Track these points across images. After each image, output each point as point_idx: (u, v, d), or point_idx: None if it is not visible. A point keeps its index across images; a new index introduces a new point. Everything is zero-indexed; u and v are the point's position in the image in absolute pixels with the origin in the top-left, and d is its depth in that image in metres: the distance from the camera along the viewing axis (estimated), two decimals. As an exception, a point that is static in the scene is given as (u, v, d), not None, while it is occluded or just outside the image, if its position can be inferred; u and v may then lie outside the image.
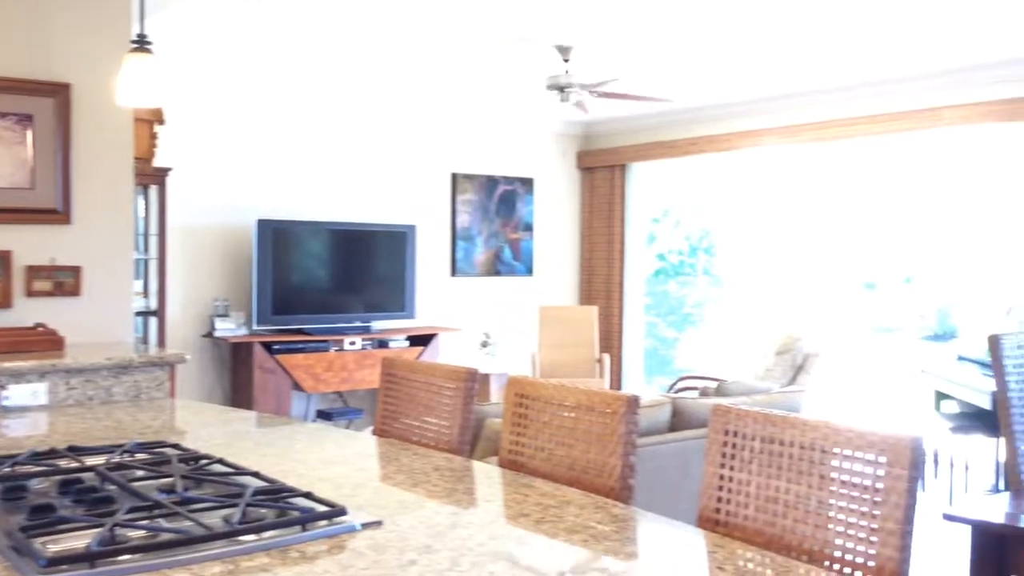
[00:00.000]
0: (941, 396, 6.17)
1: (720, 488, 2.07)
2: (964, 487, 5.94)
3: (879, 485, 1.78)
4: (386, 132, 8.19)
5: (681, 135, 8.43)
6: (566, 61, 5.68)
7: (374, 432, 3.01)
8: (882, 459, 1.79)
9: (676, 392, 7.02)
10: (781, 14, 5.07)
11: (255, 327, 7.18)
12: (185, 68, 6.66)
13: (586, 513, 1.95)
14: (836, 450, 1.87)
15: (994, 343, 3.08)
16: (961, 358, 6.16)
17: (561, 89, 5.61)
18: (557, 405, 2.47)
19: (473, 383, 2.79)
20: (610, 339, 9.07)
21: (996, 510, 2.85)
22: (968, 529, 2.66)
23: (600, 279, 9.27)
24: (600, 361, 8.31)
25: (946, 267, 7.86)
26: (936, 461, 6.09)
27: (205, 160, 7.18)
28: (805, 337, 6.19)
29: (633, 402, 2.29)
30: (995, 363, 3.07)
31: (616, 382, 9.04)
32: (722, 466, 2.08)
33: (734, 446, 2.07)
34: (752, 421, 2.05)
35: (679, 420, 4.15)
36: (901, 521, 1.74)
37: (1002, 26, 5.30)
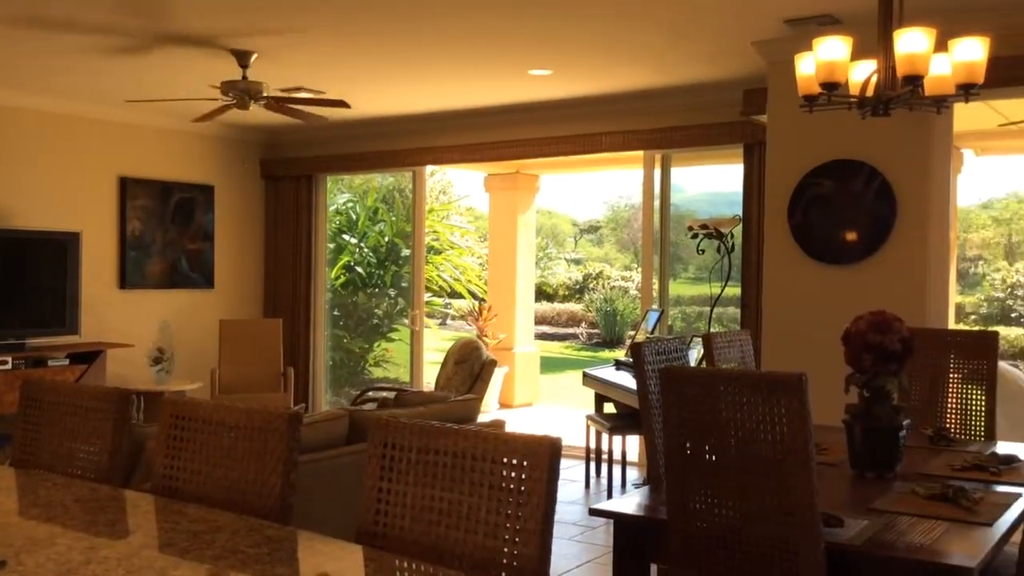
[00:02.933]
0: (603, 399, 6.69)
1: (379, 501, 2.09)
2: (623, 482, 6.48)
3: (522, 488, 1.89)
4: (45, 129, 7.47)
5: (368, 148, 8.47)
6: (244, 67, 5.51)
7: (11, 463, 2.72)
8: (524, 463, 1.89)
9: (360, 404, 7.01)
10: (455, 32, 5.26)
11: None
12: None
13: (238, 538, 1.88)
14: (484, 456, 1.95)
15: (636, 350, 3.39)
16: (618, 363, 6.72)
17: (240, 95, 5.43)
18: (216, 425, 2.38)
19: (126, 405, 2.61)
20: (296, 352, 8.89)
21: (636, 503, 3.13)
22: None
23: (285, 291, 9.06)
24: (285, 375, 8.12)
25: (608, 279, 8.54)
26: (599, 460, 6.59)
27: None
28: (483, 347, 6.45)
29: (294, 419, 2.26)
30: (637, 368, 3.38)
31: (301, 396, 8.87)
32: (381, 479, 2.10)
33: (392, 458, 2.10)
34: (410, 433, 2.09)
35: (357, 433, 4.15)
36: (540, 521, 1.85)
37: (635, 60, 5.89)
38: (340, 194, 10.82)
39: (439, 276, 11.55)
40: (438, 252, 11.67)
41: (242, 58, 5.49)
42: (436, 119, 7.89)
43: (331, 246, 9.91)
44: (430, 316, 16.23)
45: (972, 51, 3.07)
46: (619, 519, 2.85)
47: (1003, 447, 3.59)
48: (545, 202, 26.20)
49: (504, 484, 1.91)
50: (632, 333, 7.05)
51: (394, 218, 10.94)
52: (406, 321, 8.94)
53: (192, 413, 2.40)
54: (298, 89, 5.78)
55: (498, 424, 4.99)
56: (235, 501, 2.26)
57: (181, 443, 2.40)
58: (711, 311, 6.72)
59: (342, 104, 6.09)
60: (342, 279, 10.33)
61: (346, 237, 10.54)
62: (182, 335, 8.16)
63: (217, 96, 5.72)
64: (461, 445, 1.99)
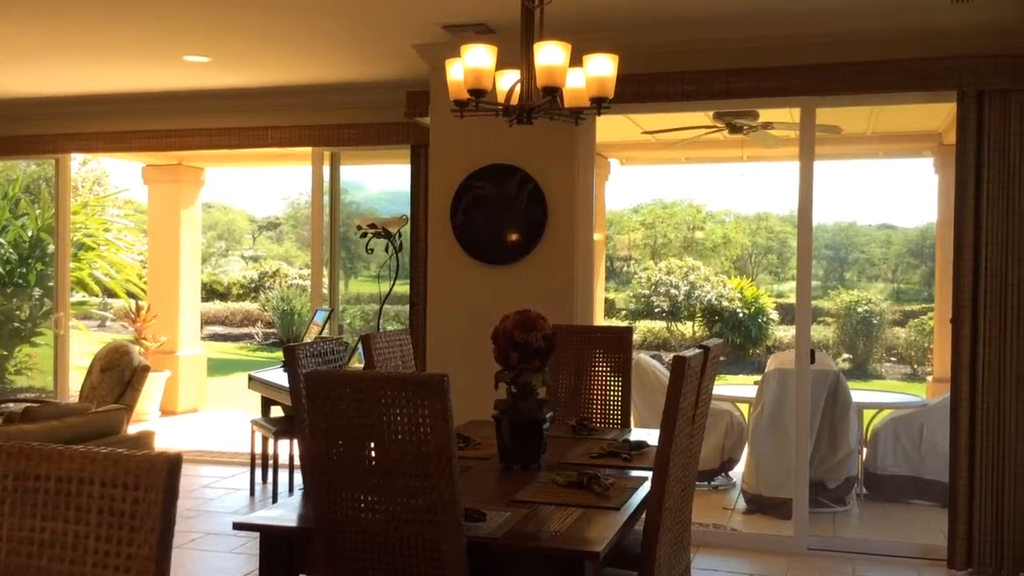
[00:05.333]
0: (270, 402, 6.46)
1: (-33, 536, 1.82)
2: (290, 488, 6.31)
3: (134, 511, 1.72)
4: None
5: (2, 132, 7.54)
6: None
7: None
8: (138, 484, 1.73)
9: (-10, 419, 6.23)
10: (99, 11, 4.82)
11: None
12: None
13: None
14: (92, 480, 1.76)
15: (289, 353, 3.28)
16: (284, 365, 6.53)
17: None
18: None
19: None
20: (-89, 362, 7.73)
21: (283, 513, 3.03)
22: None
23: None
24: None
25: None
26: (265, 466, 6.36)
27: None
28: (134, 351, 5.98)
29: None
30: (291, 372, 3.27)
31: (-80, 412, 7.73)
32: (-31, 511, 1.83)
33: (-17, 487, 1.83)
34: (6, 457, 1.83)
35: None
36: (155, 546, 1.70)
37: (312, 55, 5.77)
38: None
39: (92, 275, 10.58)
40: (91, 249, 10.70)
41: None
42: (82, 103, 7.20)
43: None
44: (86, 319, 14.88)
45: (603, 67, 3.30)
46: (264, 531, 2.73)
47: (636, 433, 3.91)
48: (219, 197, 25.07)
49: (115, 508, 1.73)
50: (305, 333, 6.88)
51: (39, 211, 9.88)
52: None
53: None
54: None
55: (146, 436, 4.65)
56: None
57: None
58: (380, 310, 6.74)
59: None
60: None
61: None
62: None
63: None
64: (66, 468, 1.78)
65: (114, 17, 4.93)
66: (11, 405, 6.61)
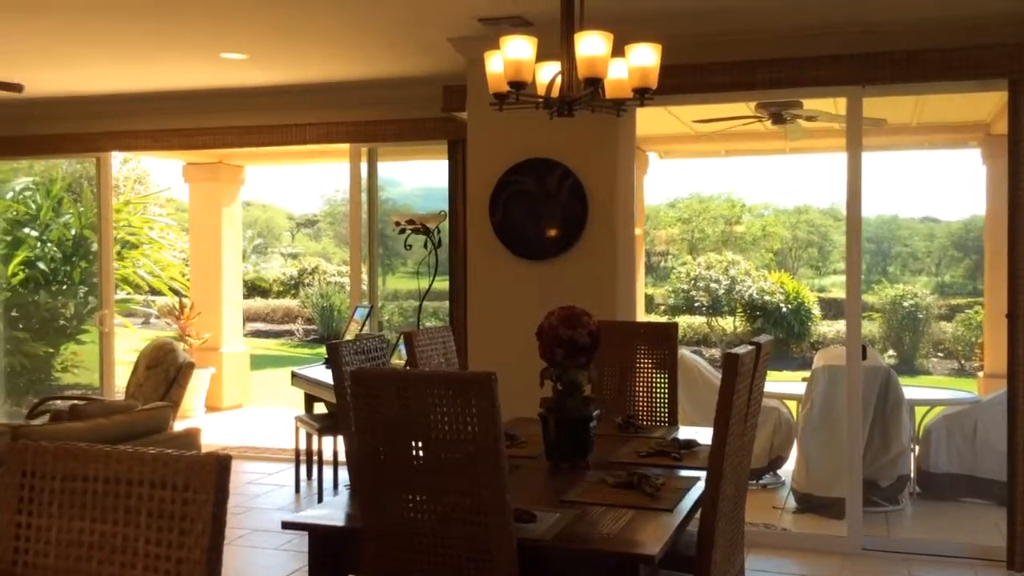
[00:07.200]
0: (313, 399, 6.47)
1: (17, 538, 1.81)
2: (335, 485, 6.32)
3: (184, 513, 1.69)
4: None
5: (44, 130, 7.61)
6: None
7: None
8: (187, 486, 1.70)
9: (37, 415, 6.30)
10: (138, 7, 4.83)
11: None
12: None
13: None
14: (141, 481, 1.73)
15: (333, 350, 3.25)
16: (327, 361, 6.53)
17: None
18: None
19: None
20: (-40, 360, 7.85)
21: (331, 512, 3.00)
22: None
23: (-55, 291, 7.97)
24: (-55, 387, 7.14)
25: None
26: (310, 463, 6.37)
27: None
28: (179, 348, 6.01)
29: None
30: (334, 369, 3.25)
31: (-31, 409, 7.85)
32: (19, 512, 1.82)
33: (32, 488, 1.82)
34: (53, 458, 1.82)
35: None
36: (206, 549, 1.67)
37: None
38: (16, 180, 9.71)
39: (136, 273, 10.70)
40: (135, 247, 10.82)
41: None
42: (122, 101, 7.24)
43: (7, 239, 8.89)
44: (130, 316, 15.06)
45: (646, 57, 3.22)
46: (313, 531, 2.71)
47: (684, 432, 3.83)
48: (258, 195, 25.26)
49: (165, 511, 1.70)
50: (346, 329, 6.88)
51: (83, 209, 9.99)
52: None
53: None
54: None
55: (192, 433, 4.66)
56: None
57: None
58: (419, 306, 6.71)
59: (14, 87, 5.44)
60: (20, 276, 9.28)
61: (26, 230, 9.48)
62: None
63: None
64: (114, 469, 1.75)
65: (154, 16, 4.93)
66: (57, 402, 6.69)
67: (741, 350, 2.72)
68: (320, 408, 6.42)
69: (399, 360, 5.74)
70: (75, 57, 5.90)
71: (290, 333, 19.61)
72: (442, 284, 6.88)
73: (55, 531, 1.79)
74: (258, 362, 12.79)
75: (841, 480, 5.20)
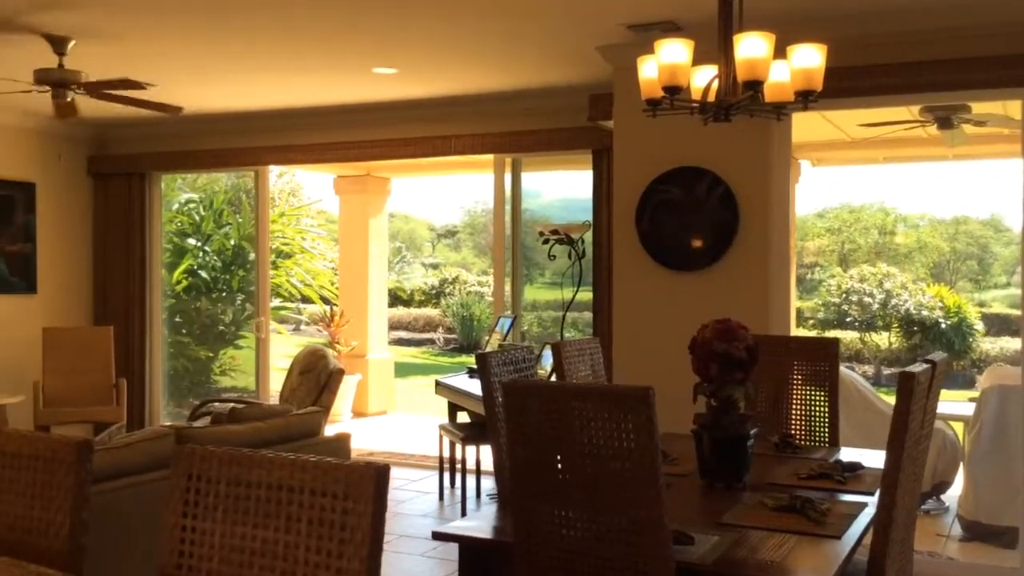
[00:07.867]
0: (456, 408, 6.51)
1: (182, 541, 1.85)
2: (478, 493, 6.33)
3: (344, 522, 1.69)
4: None
5: (207, 145, 8.01)
6: (61, 55, 5.05)
7: None
8: (346, 495, 1.69)
9: (197, 417, 6.59)
10: (295, 27, 4.99)
11: None
12: None
13: (5, 592, 1.61)
14: (302, 488, 1.74)
15: (482, 360, 3.24)
16: (471, 371, 6.56)
17: (54, 85, 4.96)
18: (-4, 455, 2.07)
19: None
20: (130, 362, 8.32)
21: (481, 524, 2.98)
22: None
23: (117, 297, 8.46)
24: (116, 386, 7.58)
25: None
26: (453, 471, 6.41)
27: None
28: (330, 355, 6.17)
29: (84, 448, 1.98)
30: (483, 379, 3.22)
31: (137, 409, 8.31)
32: (184, 515, 1.86)
33: (198, 491, 1.86)
34: (218, 462, 1.85)
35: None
36: (366, 559, 1.66)
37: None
38: (182, 193, 10.25)
39: (289, 281, 11.12)
40: (288, 256, 11.26)
41: (58, 45, 5.03)
42: (279, 116, 7.53)
43: (171, 248, 9.37)
44: (283, 322, 15.67)
45: (810, 58, 3.07)
46: (464, 543, 2.68)
47: (846, 453, 3.63)
48: (400, 206, 25.86)
49: (325, 519, 1.70)
50: (487, 339, 6.91)
51: (241, 220, 10.45)
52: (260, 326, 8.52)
53: (-34, 443, 2.08)
54: (123, 82, 5.35)
55: (343, 438, 4.74)
56: (18, 541, 1.97)
57: (-48, 478, 2.07)
58: (563, 317, 6.66)
59: (173, 109, 5.72)
60: (184, 284, 9.77)
61: (190, 240, 9.99)
62: (0, 344, 7.50)
63: (30, 86, 5.22)
64: (276, 475, 1.77)
65: (311, 34, 5.09)
66: (216, 404, 6.99)
67: (916, 368, 2.53)
68: (463, 417, 6.45)
69: (542, 371, 5.70)
70: (239, 75, 6.16)
71: (431, 342, 19.96)
72: (584, 295, 6.81)
73: (218, 535, 1.82)
74: (401, 370, 13.05)
75: (1014, 507, 4.83)
